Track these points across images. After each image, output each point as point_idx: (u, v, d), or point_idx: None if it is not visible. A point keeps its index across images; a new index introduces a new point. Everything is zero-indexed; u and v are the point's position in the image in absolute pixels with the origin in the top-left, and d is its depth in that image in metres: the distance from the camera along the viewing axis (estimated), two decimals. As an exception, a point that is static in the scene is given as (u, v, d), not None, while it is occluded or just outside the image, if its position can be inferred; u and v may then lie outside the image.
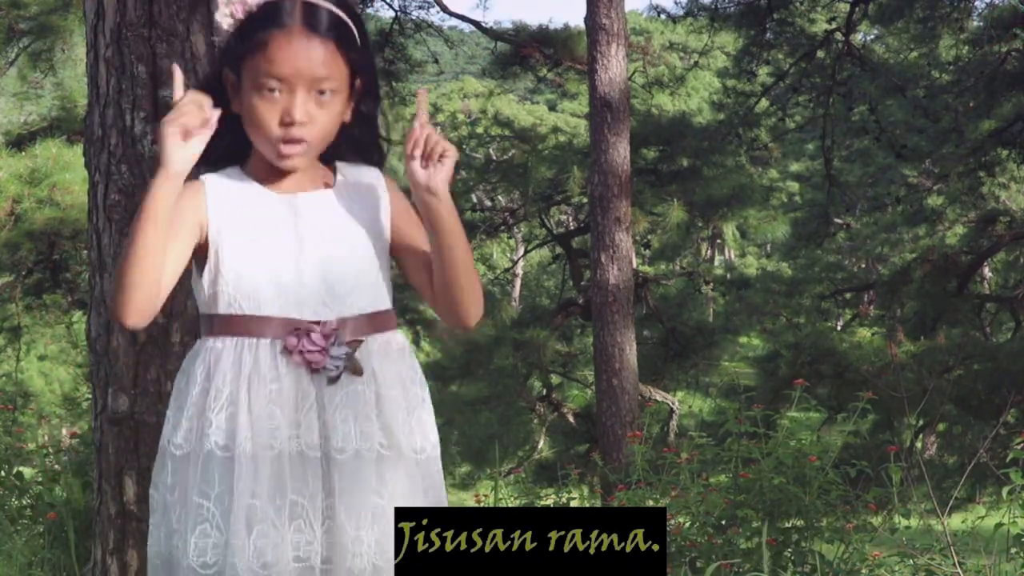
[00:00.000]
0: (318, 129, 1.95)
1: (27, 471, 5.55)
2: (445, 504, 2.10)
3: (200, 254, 1.99)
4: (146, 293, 1.89)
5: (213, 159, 1.98)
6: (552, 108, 40.39)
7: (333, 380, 1.94)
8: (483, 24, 14.28)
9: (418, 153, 1.93)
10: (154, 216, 1.85)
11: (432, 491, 2.07)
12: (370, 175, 2.07)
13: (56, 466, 5.33)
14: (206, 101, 1.90)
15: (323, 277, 1.96)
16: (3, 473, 5.27)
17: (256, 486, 1.90)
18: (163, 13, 3.12)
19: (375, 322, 2.01)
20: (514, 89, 34.06)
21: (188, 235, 1.96)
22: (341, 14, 1.95)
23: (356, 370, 1.95)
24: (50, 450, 5.48)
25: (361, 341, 1.96)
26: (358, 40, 1.98)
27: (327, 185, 2.04)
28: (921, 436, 15.95)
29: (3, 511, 5.03)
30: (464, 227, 2.02)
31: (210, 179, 2.00)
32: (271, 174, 2.00)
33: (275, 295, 1.95)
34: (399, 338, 2.05)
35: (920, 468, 4.82)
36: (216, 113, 1.90)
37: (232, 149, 2.00)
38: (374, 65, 2.07)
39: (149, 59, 3.13)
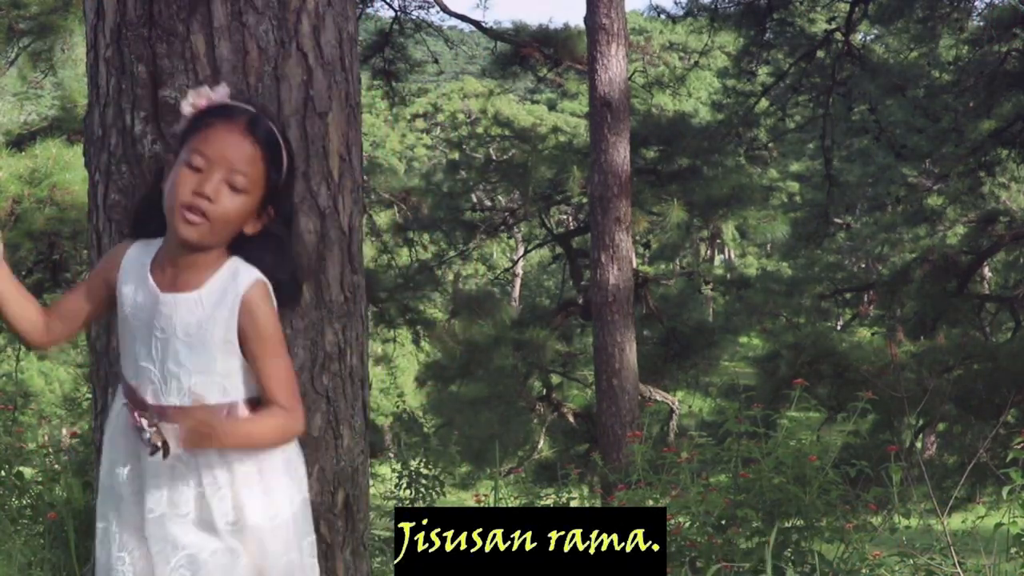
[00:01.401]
0: (221, 212, 2.17)
1: (27, 471, 5.54)
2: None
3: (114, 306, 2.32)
4: (26, 328, 2.27)
5: (147, 232, 2.30)
6: (552, 108, 40.37)
7: (151, 453, 2.19)
8: (483, 24, 14.27)
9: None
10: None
11: (271, 558, 2.25)
12: (241, 284, 2.22)
13: (56, 466, 5.33)
14: None
15: (163, 370, 2.21)
16: (3, 473, 5.27)
17: (106, 514, 2.29)
18: (163, 13, 3.12)
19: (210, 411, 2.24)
20: (514, 89, 34.04)
21: (96, 286, 2.32)
22: (278, 136, 2.25)
23: (162, 450, 2.17)
24: (50, 450, 5.47)
25: (156, 427, 2.19)
26: (284, 168, 2.25)
27: (197, 286, 2.24)
28: (921, 436, 15.95)
29: (3, 511, 5.02)
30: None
31: (132, 249, 2.30)
32: (166, 260, 2.25)
33: (135, 373, 2.25)
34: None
35: (920, 468, 4.82)
36: None
37: (163, 225, 2.26)
38: (291, 198, 2.33)
39: (149, 59, 3.13)
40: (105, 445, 2.34)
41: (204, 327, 2.19)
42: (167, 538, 2.20)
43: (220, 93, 2.24)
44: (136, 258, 2.28)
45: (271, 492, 2.27)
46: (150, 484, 2.22)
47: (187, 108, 2.23)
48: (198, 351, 2.19)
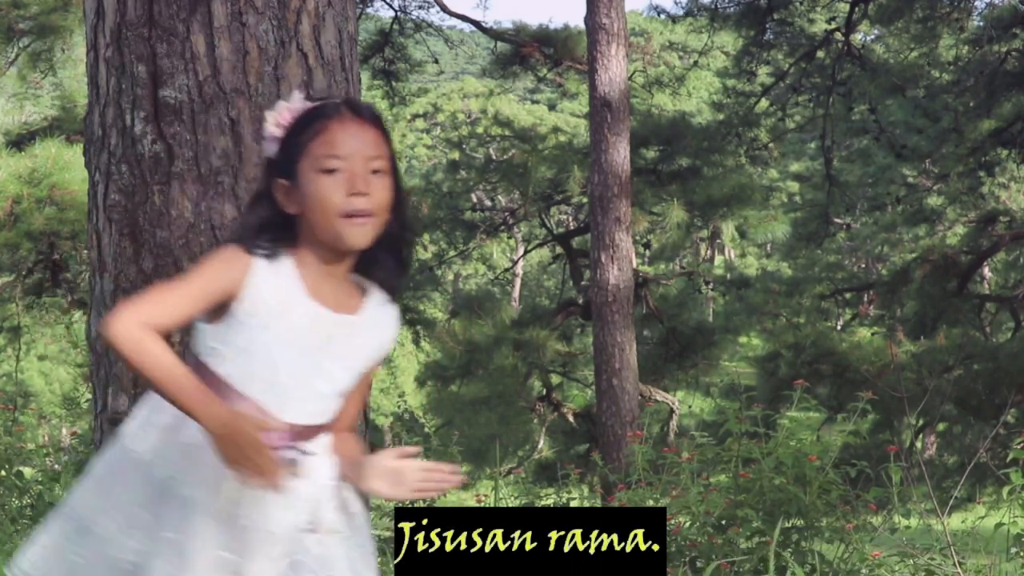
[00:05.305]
0: (379, 201, 2.11)
1: (27, 471, 5.55)
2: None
3: (218, 311, 2.11)
4: None
5: (267, 252, 2.13)
6: (552, 108, 40.40)
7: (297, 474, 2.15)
8: (483, 24, 14.29)
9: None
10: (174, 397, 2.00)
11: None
12: (389, 314, 2.23)
13: (56, 466, 5.34)
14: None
15: (321, 390, 2.16)
16: (3, 473, 5.27)
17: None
18: (163, 13, 3.12)
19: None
20: (514, 89, 34.05)
21: (212, 296, 2.08)
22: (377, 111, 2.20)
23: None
24: (50, 450, 5.48)
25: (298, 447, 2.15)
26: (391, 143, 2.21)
27: (356, 308, 2.19)
28: (921, 436, 15.96)
29: (3, 511, 5.03)
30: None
31: (261, 267, 2.11)
32: (317, 277, 2.13)
33: (284, 393, 2.12)
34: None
35: (920, 468, 4.82)
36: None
37: (280, 239, 2.14)
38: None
39: (149, 59, 3.13)
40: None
41: (361, 350, 2.21)
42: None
43: (297, 99, 2.16)
44: (270, 278, 2.12)
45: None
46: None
47: (273, 129, 2.14)
48: (350, 373, 2.20)
